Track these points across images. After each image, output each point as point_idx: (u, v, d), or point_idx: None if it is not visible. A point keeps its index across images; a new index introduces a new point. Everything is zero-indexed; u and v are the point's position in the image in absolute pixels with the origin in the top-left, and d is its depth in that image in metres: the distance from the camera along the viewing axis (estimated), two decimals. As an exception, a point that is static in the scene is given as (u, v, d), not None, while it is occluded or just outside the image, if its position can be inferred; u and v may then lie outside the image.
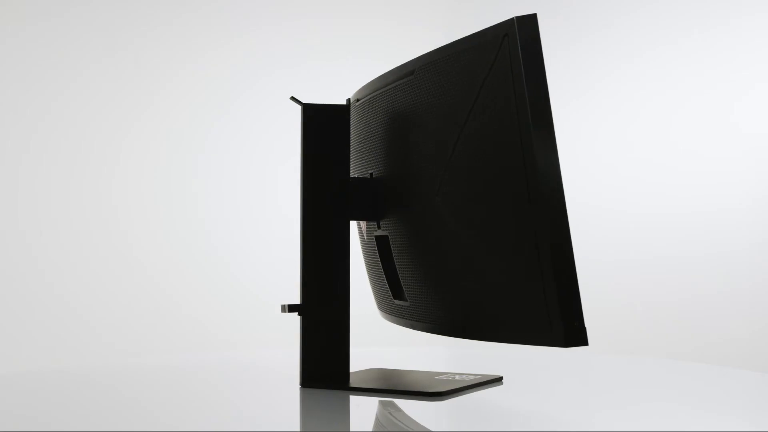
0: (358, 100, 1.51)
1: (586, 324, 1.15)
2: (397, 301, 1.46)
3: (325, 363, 1.42)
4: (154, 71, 3.55)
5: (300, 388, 1.40)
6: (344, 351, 1.43)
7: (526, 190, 1.11)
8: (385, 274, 1.47)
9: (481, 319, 1.24)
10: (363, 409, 1.30)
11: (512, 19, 1.12)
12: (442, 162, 1.25)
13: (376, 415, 1.27)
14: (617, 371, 1.72)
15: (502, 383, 1.46)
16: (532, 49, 1.12)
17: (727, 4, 3.44)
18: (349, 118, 1.45)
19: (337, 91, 2.35)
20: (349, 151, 1.44)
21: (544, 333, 1.14)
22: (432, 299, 1.34)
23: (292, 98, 1.45)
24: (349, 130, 1.44)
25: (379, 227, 1.45)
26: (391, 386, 1.39)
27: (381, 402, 1.33)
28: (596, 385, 1.57)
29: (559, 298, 1.11)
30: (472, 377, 1.46)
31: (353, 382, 1.42)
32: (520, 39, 1.12)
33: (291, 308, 1.41)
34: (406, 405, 1.30)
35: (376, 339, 2.55)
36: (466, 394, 1.38)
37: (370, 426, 1.23)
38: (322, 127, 1.43)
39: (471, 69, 1.19)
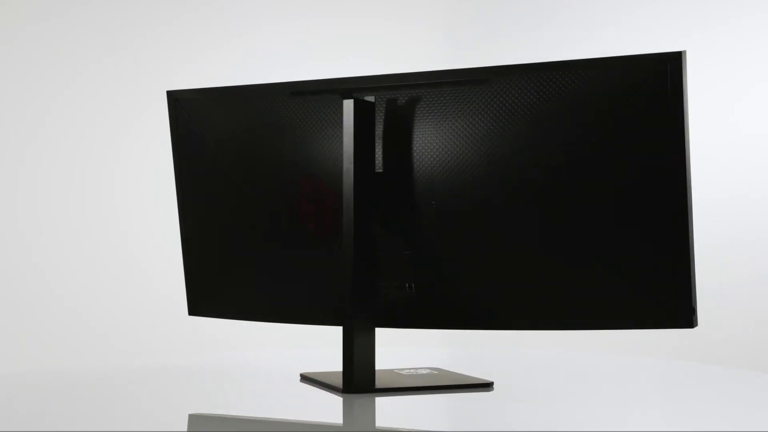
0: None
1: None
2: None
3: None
4: (154, 71, 3.55)
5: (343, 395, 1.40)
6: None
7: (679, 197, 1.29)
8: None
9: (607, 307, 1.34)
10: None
11: (680, 53, 1.30)
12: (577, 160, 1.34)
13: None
14: (617, 371, 1.72)
15: (493, 389, 1.46)
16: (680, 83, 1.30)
17: (727, 4, 3.44)
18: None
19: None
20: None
21: (674, 316, 1.29)
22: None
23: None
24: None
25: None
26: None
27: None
28: (596, 385, 1.57)
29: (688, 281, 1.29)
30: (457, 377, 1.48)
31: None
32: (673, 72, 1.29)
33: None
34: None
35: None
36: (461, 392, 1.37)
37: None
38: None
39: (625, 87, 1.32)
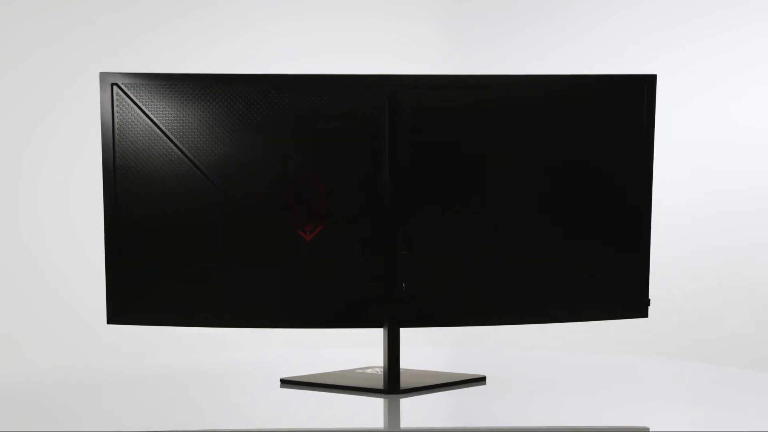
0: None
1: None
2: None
3: None
4: (155, 71, 3.55)
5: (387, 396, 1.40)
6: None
7: (644, 203, 1.47)
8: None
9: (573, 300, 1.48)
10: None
11: (654, 76, 1.46)
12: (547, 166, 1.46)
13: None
14: (617, 371, 1.72)
15: (485, 383, 1.48)
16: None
17: (725, 4, 3.44)
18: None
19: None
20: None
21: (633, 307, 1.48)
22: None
23: None
24: None
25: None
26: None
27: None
28: (596, 385, 1.57)
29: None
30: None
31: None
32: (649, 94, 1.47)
33: None
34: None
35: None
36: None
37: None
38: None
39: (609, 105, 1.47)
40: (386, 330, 1.42)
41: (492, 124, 1.43)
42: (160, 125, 1.43)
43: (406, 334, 1.44)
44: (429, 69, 3.95)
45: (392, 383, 1.40)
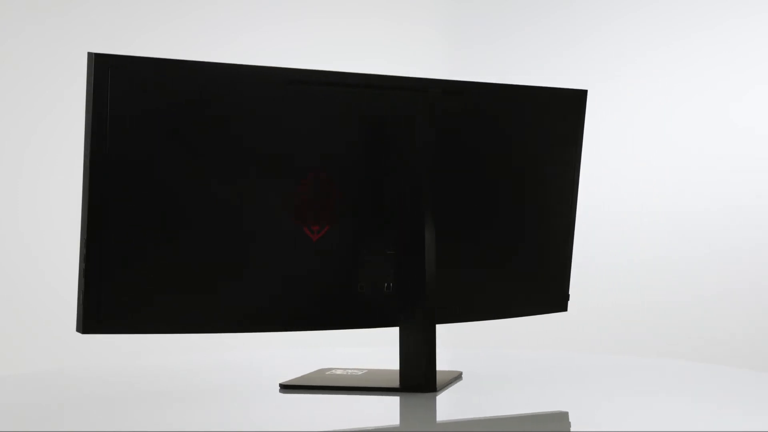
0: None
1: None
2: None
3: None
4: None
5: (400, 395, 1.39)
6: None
7: (569, 206, 1.57)
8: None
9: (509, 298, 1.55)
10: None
11: (585, 91, 1.57)
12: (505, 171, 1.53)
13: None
14: (617, 371, 1.72)
15: (462, 379, 1.49)
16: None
17: (725, 4, 3.44)
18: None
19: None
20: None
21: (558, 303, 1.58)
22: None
23: None
24: None
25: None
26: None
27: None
28: (595, 385, 1.57)
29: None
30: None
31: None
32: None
33: None
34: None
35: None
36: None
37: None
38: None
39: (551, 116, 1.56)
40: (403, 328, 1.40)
41: (432, 129, 1.42)
42: (161, 114, 1.30)
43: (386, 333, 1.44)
44: (429, 69, 3.95)
45: (429, 382, 1.38)
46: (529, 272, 1.56)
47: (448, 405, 1.34)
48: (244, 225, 1.35)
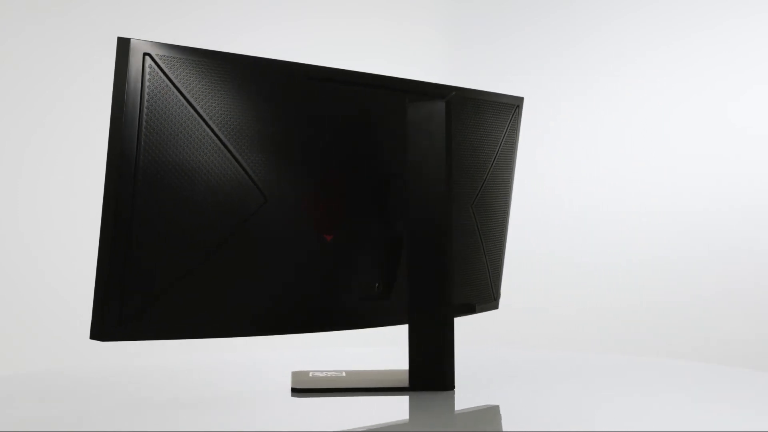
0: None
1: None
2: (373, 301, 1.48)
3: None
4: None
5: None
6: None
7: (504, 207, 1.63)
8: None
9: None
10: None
11: (521, 98, 1.61)
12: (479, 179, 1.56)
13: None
14: (617, 371, 1.72)
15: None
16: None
17: (724, 4, 3.44)
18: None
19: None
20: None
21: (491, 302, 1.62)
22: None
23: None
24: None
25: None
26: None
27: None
28: (595, 385, 1.57)
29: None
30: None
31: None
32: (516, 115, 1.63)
33: None
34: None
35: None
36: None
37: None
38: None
39: (498, 121, 1.59)
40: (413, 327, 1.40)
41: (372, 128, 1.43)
42: (200, 110, 1.24)
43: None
44: (429, 69, 3.96)
45: (448, 380, 1.38)
46: (464, 270, 1.56)
47: (465, 401, 1.34)
48: (280, 229, 1.32)
